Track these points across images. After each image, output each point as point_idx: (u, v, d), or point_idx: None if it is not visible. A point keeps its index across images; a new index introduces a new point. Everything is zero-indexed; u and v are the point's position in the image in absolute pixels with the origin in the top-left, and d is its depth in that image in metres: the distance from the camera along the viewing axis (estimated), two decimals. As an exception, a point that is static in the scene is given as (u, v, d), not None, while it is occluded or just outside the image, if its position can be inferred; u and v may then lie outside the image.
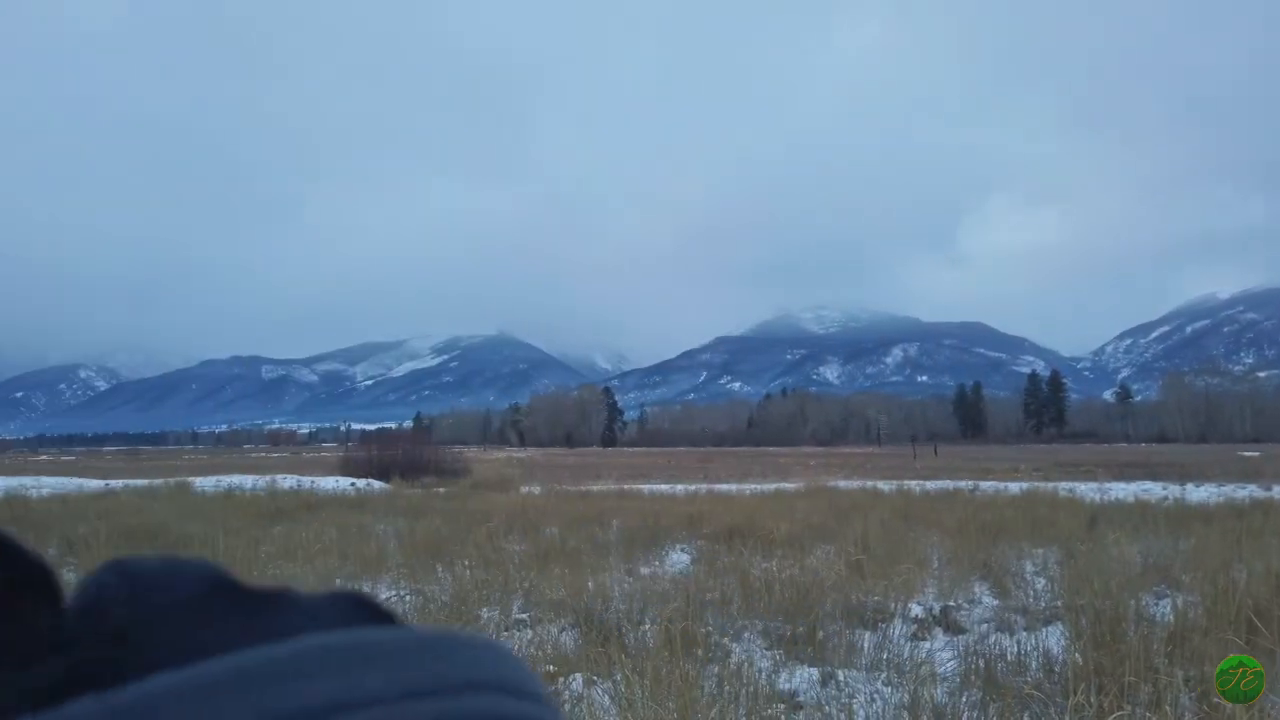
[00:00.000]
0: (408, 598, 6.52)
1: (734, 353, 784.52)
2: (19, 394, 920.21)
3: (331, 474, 27.12)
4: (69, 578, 6.56)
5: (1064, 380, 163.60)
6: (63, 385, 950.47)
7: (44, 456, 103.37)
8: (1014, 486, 18.43)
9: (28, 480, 23.92)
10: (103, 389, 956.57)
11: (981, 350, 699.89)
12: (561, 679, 4.40)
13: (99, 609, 0.23)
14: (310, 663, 0.24)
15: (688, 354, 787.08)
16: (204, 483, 21.30)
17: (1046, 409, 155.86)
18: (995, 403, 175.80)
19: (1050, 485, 18.79)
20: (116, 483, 22.55)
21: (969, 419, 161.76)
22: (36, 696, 0.23)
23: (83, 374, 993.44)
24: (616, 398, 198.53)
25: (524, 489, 19.73)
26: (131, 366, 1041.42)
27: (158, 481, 21.84)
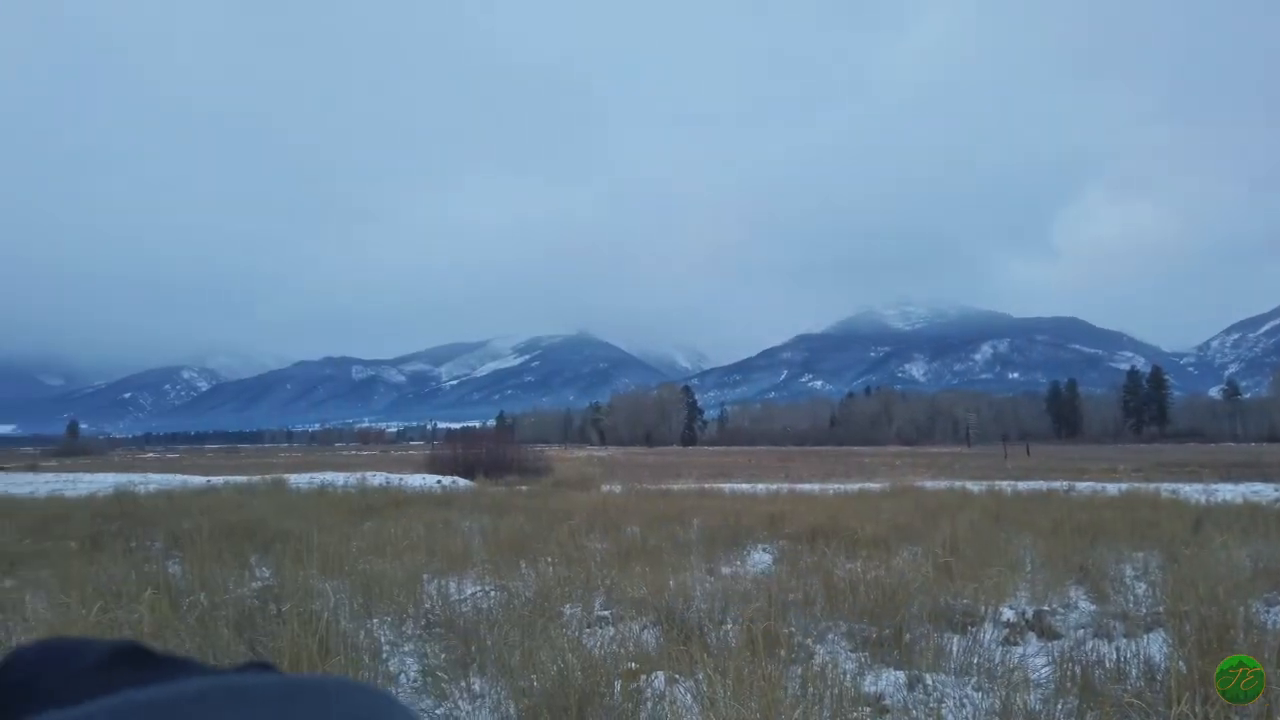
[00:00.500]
0: (493, 593, 6.63)
1: (815, 350, 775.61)
2: (127, 394, 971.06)
3: (419, 472, 27.79)
4: (174, 570, 6.88)
5: (1166, 376, 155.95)
6: (167, 386, 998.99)
7: (150, 454, 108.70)
8: (1112, 487, 17.70)
9: (136, 477, 25.21)
10: (204, 389, 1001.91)
11: (1076, 346, 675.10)
12: (643, 677, 4.41)
13: (7, 666, 0.26)
14: (187, 701, 0.26)
15: (768, 352, 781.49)
16: (298, 480, 22.07)
17: (1147, 407, 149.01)
18: (1091, 400, 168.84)
19: (1151, 486, 18.01)
20: (217, 479, 23.56)
21: (1063, 417, 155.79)
22: None
23: (185, 375, 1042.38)
24: (696, 396, 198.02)
25: (605, 487, 19.85)
26: (230, 368, 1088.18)
27: (255, 479, 22.72)
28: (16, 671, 0.26)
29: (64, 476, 29.45)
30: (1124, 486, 17.80)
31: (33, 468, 52.27)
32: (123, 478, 24.44)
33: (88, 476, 28.21)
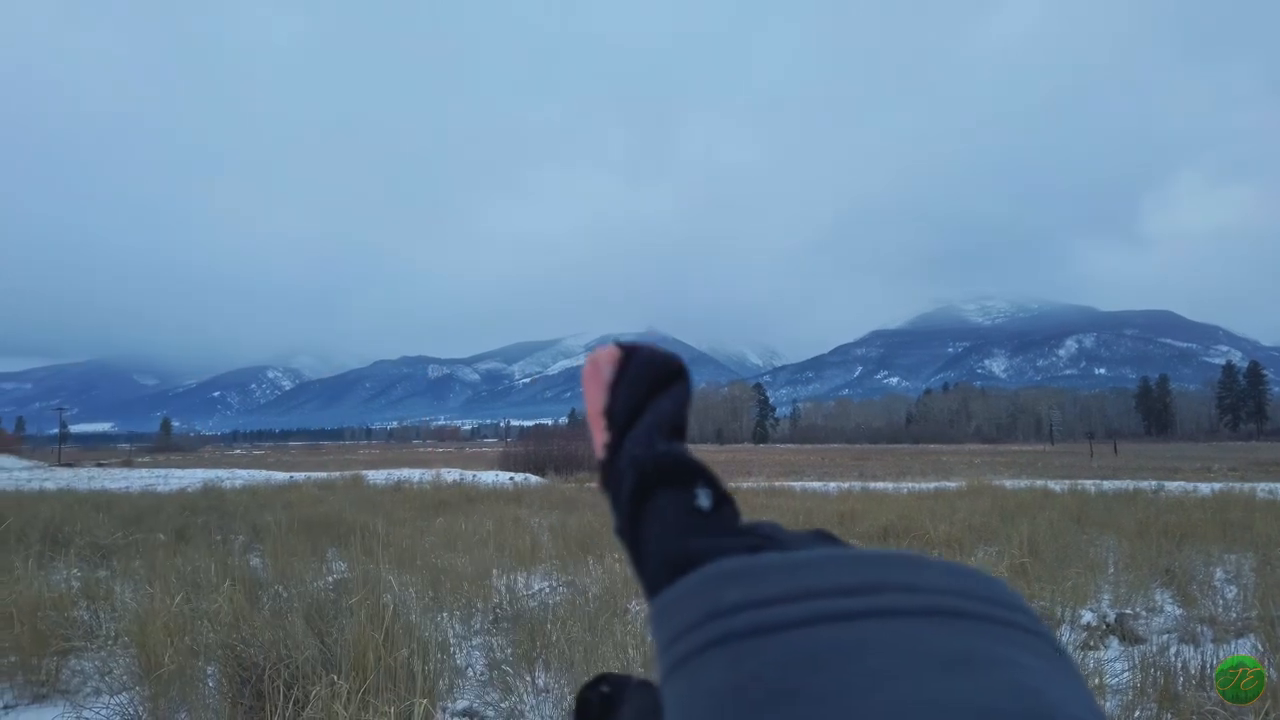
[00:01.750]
0: (560, 589, 6.68)
1: (891, 346, 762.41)
2: (216, 393, 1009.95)
3: (491, 468, 28.27)
4: (255, 562, 7.12)
5: (1264, 371, 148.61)
6: (253, 385, 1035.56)
7: (238, 451, 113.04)
8: (1204, 487, 16.95)
9: (223, 473, 26.25)
10: (288, 388, 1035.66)
11: (1168, 340, 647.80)
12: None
13: (754, 523, 0.40)
14: (895, 559, 0.39)
15: (842, 348, 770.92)
16: (375, 476, 22.65)
17: (1244, 403, 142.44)
18: (1184, 397, 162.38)
19: (1247, 486, 17.16)
20: (299, 475, 24.32)
21: (1154, 415, 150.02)
22: (744, 550, 0.40)
23: (270, 375, 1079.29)
24: (768, 394, 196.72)
25: (675, 485, 19.78)
26: (313, 367, 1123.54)
27: (335, 475, 23.38)
28: (763, 527, 0.40)
29: (157, 472, 30.83)
30: (1217, 486, 17.02)
31: (128, 463, 54.92)
32: (210, 473, 25.45)
33: (179, 472, 29.46)
